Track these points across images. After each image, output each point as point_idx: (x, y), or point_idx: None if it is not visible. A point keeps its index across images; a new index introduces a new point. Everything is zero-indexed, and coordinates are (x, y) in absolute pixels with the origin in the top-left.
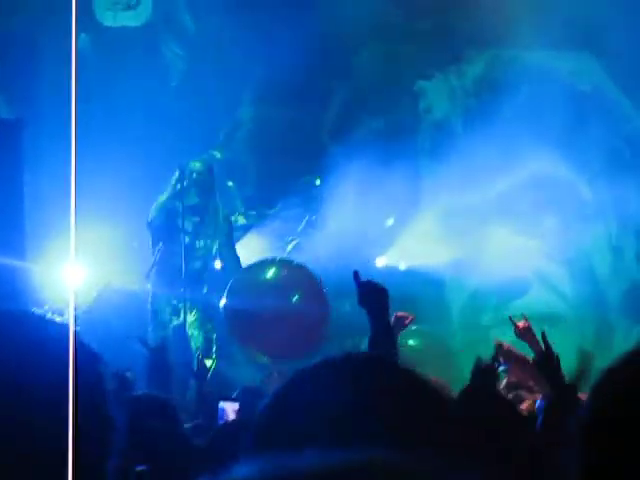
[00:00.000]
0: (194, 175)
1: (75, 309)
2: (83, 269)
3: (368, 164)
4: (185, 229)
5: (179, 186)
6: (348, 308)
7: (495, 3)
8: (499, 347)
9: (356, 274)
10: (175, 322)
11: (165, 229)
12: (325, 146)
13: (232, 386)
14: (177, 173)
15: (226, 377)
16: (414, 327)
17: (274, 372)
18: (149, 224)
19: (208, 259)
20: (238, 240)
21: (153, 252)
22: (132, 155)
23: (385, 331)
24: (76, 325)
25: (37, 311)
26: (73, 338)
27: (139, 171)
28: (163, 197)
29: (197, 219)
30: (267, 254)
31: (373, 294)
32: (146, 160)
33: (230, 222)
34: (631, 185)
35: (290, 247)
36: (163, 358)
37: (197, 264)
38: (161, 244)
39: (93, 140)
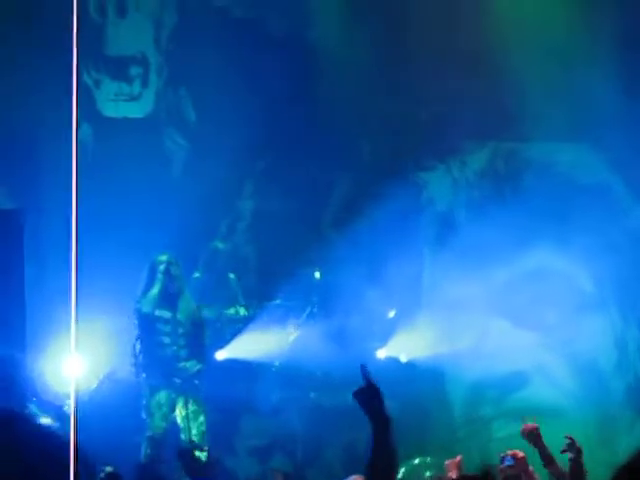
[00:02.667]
0: (162, 267)
1: (76, 399)
2: (84, 360)
3: (370, 256)
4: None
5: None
6: (349, 400)
7: (495, 95)
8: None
9: (363, 367)
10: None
11: (146, 321)
12: (326, 238)
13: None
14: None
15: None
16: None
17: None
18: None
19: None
20: (239, 332)
21: (134, 340)
22: (133, 245)
23: (384, 429)
24: (76, 413)
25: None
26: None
27: (141, 262)
28: (155, 290)
29: (171, 312)
30: (268, 346)
31: (364, 394)
32: (147, 250)
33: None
34: (632, 277)
35: (291, 339)
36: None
37: (184, 352)
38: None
39: (93, 231)
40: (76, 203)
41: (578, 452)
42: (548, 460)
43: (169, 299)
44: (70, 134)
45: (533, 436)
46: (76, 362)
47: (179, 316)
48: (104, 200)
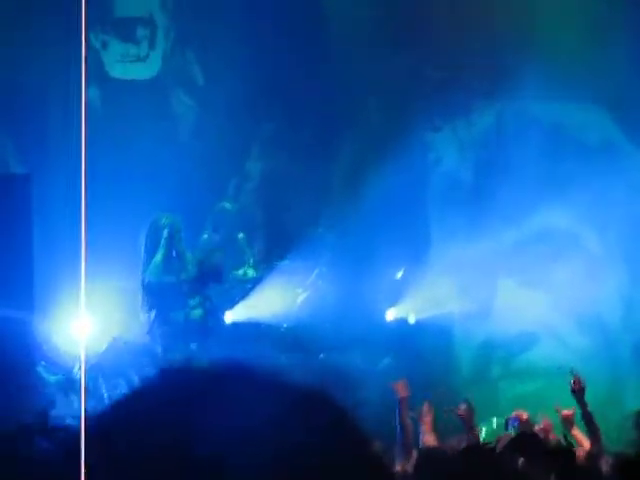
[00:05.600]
0: (166, 232)
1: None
2: (93, 322)
3: (377, 216)
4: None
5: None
6: (358, 361)
7: (504, 53)
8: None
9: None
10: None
11: (158, 287)
12: (334, 198)
13: None
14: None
15: None
16: None
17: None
18: (145, 285)
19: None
20: (248, 293)
21: (147, 310)
22: (140, 208)
23: None
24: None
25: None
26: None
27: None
28: (158, 257)
29: (176, 275)
30: (277, 307)
31: None
32: (155, 211)
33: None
34: (638, 236)
35: (300, 299)
36: None
37: (197, 312)
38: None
39: (101, 194)
40: (85, 165)
41: (581, 389)
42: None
43: (173, 263)
44: (78, 96)
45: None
46: (85, 323)
47: (183, 276)
48: (112, 162)
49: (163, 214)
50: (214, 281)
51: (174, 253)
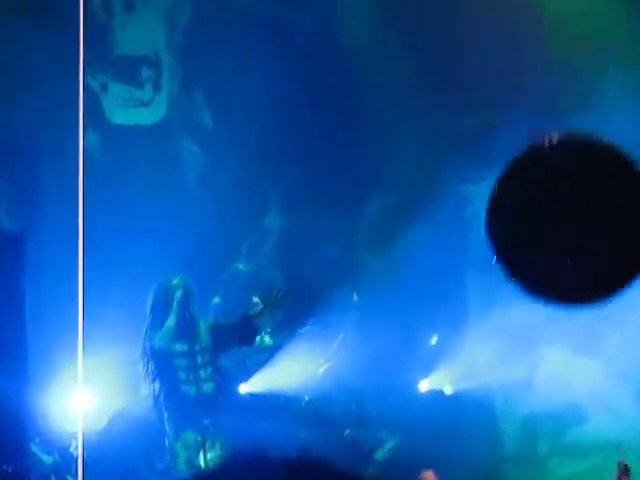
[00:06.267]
0: (179, 294)
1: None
2: (91, 395)
3: (408, 276)
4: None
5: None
6: (388, 438)
7: (547, 95)
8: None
9: None
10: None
11: (168, 356)
12: (361, 257)
13: None
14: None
15: None
16: None
17: None
18: (151, 352)
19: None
20: (265, 363)
21: (152, 381)
22: (144, 267)
23: None
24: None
25: None
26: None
27: (153, 285)
28: (170, 322)
29: (189, 343)
30: (297, 377)
31: None
32: (160, 272)
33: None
34: None
35: (323, 369)
36: None
37: (209, 385)
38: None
39: (100, 253)
40: (82, 221)
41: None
42: None
43: (186, 329)
44: (75, 144)
45: None
46: (83, 397)
47: (197, 347)
48: (111, 218)
49: (175, 274)
50: (246, 343)
51: (188, 317)
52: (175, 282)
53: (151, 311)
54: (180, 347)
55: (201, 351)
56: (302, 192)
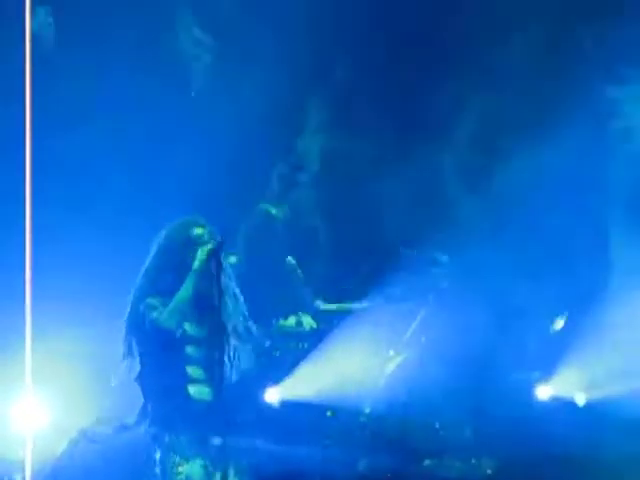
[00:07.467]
0: (204, 252)
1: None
2: (45, 405)
3: (522, 228)
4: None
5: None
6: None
7: None
8: None
9: None
10: None
11: (166, 342)
12: (449, 197)
13: None
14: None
15: None
16: None
17: None
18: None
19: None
20: (304, 356)
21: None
22: (134, 216)
23: None
24: None
25: None
26: None
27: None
28: (185, 292)
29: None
30: (353, 380)
31: None
32: (157, 225)
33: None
34: None
35: (391, 367)
36: None
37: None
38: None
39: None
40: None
41: None
42: None
43: (206, 306)
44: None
45: None
46: (32, 408)
47: (216, 337)
48: (77, 142)
49: (195, 219)
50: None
51: (214, 288)
52: (198, 232)
53: (153, 269)
54: (195, 330)
55: (226, 339)
56: (353, 104)
